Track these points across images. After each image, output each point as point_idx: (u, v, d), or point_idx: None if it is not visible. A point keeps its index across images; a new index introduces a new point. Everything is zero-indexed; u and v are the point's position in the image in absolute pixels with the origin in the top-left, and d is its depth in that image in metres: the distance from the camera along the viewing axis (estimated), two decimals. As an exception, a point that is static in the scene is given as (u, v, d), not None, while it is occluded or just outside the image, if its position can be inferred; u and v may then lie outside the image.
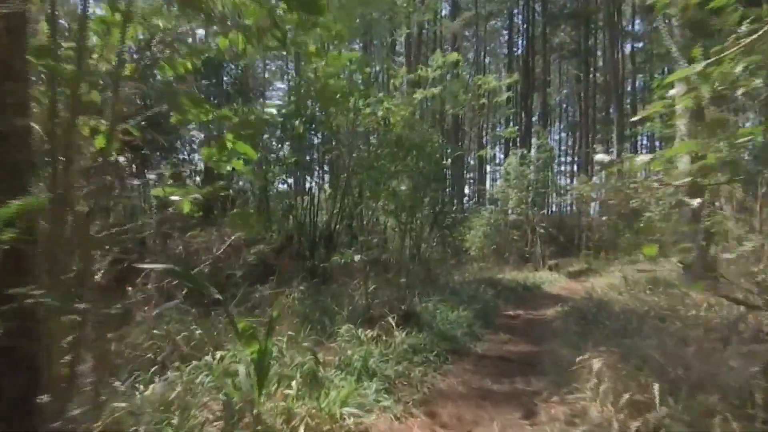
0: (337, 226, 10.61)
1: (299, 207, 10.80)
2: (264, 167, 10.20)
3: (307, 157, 11.44)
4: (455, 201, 27.42)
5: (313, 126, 10.38)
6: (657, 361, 3.65)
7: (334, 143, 10.66)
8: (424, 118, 16.70)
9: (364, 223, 11.01)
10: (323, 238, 10.22)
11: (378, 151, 10.41)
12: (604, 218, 20.24)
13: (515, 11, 37.13)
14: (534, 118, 36.26)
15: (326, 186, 12.13)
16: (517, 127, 24.57)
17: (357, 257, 5.88)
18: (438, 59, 12.07)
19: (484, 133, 40.44)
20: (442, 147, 13.92)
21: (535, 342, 6.60)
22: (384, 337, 5.45)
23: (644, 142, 36.20)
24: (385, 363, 4.73)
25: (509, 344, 6.55)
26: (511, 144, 29.25)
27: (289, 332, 4.81)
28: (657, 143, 32.78)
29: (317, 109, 10.08)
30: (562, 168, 40.16)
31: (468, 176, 42.54)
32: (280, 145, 10.43)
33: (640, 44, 35.27)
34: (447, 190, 18.06)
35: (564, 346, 6.00)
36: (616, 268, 16.44)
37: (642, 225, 15.21)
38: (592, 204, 22.84)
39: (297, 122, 9.73)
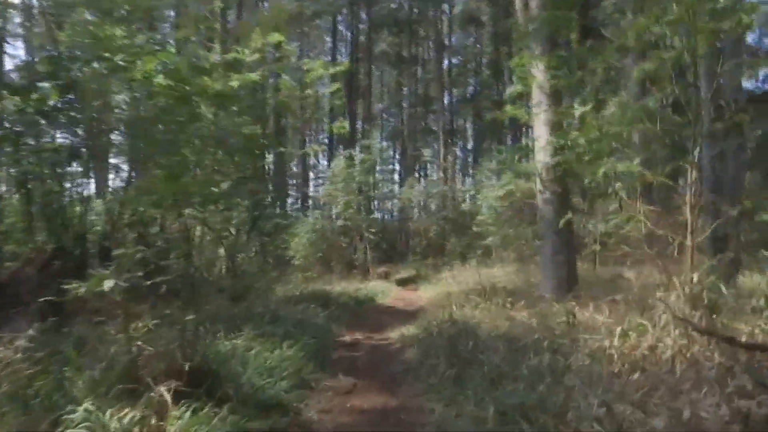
0: (118, 235, 7.74)
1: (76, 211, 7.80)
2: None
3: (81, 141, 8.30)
4: (278, 205, 25.09)
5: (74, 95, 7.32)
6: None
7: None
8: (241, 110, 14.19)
9: (159, 229, 8.31)
10: (102, 250, 7.38)
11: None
12: (431, 223, 19.55)
13: (339, 18, 36.03)
14: (358, 125, 35.44)
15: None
16: (347, 122, 23.06)
17: (109, 283, 3.37)
18: (257, 40, 9.85)
19: (308, 137, 38.62)
20: (262, 141, 11.69)
21: (390, 388, 4.67)
22: (154, 421, 3.08)
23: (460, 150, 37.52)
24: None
25: (355, 396, 4.52)
26: (335, 149, 27.82)
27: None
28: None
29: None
30: (386, 176, 39.88)
31: (292, 182, 40.38)
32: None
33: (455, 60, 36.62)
34: (268, 193, 15.66)
35: (433, 397, 4.17)
36: (447, 273, 15.53)
37: (475, 228, 14.52)
38: (415, 209, 22.20)
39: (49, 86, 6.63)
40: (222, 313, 5.93)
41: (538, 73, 6.96)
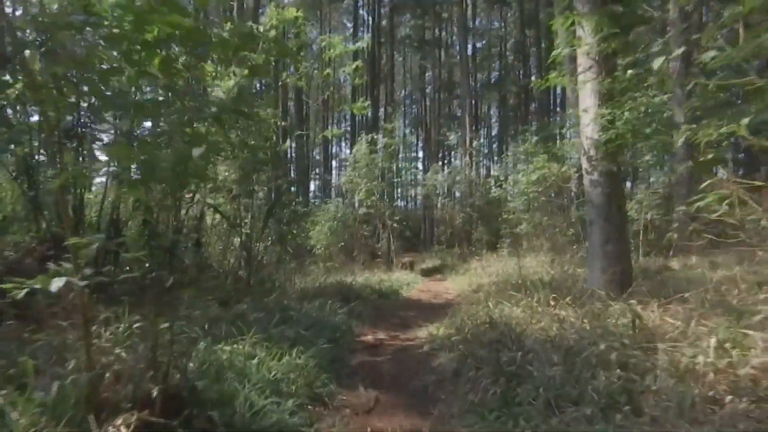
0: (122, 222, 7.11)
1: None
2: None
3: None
4: (299, 193, 24.37)
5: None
6: None
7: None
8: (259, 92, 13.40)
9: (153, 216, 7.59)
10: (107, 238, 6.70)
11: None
12: (457, 211, 18.59)
13: (360, 1, 34.94)
14: (380, 112, 34.49)
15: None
16: (368, 102, 22.21)
17: (59, 282, 2.57)
18: (272, 16, 9.08)
19: (330, 126, 37.84)
20: (279, 124, 10.89)
21: (420, 406, 3.83)
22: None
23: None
24: None
25: (376, 415, 3.70)
26: (358, 135, 26.94)
27: None
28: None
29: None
30: (410, 162, 38.96)
31: (315, 171, 39.84)
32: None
33: (479, 44, 35.33)
34: (288, 179, 14.89)
35: (473, 421, 3.32)
36: (475, 263, 14.61)
37: (505, 215, 13.55)
38: (440, 197, 21.26)
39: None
40: (222, 315, 5.13)
41: (585, 35, 5.97)
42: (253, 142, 9.66)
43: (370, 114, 30.50)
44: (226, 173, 9.83)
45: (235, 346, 4.14)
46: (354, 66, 11.65)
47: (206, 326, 4.52)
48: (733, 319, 3.56)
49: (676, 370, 3.21)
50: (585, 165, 6.19)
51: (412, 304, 9.65)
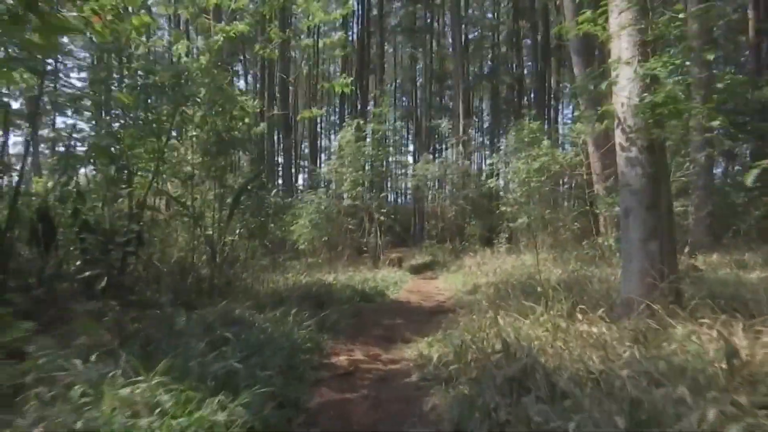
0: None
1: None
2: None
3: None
4: (281, 183, 22.79)
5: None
6: None
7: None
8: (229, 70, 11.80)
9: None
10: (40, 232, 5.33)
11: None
12: (449, 203, 17.14)
13: (350, -10, 33.25)
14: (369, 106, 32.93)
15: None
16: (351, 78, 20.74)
17: None
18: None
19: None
20: (252, 103, 9.39)
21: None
22: None
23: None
24: None
25: None
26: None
27: None
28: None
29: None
30: (400, 153, 37.49)
31: (302, 164, 38.33)
32: None
33: (471, 35, 33.81)
34: (261, 166, 13.32)
35: None
36: (469, 260, 13.18)
37: (503, 208, 12.10)
38: (431, 189, 19.80)
39: None
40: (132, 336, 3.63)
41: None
42: (217, 120, 8.20)
43: (359, 106, 29.00)
44: (189, 156, 8.36)
45: (124, 391, 2.66)
46: (337, 37, 10.16)
47: (93, 357, 3.04)
48: None
49: None
50: (620, 139, 4.74)
51: (400, 308, 8.20)
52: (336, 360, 4.68)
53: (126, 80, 7.18)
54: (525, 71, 32.72)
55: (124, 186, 6.43)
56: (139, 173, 6.76)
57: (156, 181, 6.98)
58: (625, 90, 4.64)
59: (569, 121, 27.32)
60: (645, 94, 4.36)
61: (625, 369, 3.04)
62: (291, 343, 4.47)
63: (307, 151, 35.73)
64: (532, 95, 29.21)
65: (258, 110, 10.97)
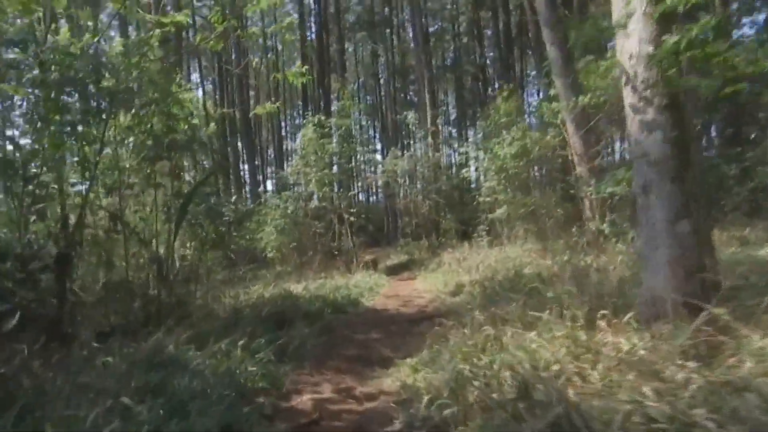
0: None
1: None
2: None
3: None
4: (244, 191, 21.52)
5: None
6: None
7: None
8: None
9: None
10: None
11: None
12: (421, 198, 16.18)
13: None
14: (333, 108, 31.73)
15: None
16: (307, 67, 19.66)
17: None
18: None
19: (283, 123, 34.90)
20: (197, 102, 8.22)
21: None
22: None
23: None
24: None
25: None
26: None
27: None
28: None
29: None
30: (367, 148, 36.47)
31: (269, 171, 37.09)
32: None
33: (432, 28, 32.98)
34: (213, 172, 12.07)
35: None
36: (447, 256, 12.23)
37: (480, 199, 11.16)
38: (402, 185, 18.83)
39: None
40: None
41: None
42: (152, 120, 7.03)
43: (322, 106, 27.79)
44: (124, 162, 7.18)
45: None
46: (287, 22, 9.01)
47: None
48: None
49: None
50: (630, 99, 3.79)
51: (376, 318, 7.16)
52: (297, 402, 3.60)
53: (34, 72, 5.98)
54: (488, 61, 32.14)
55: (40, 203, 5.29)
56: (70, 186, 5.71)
57: (91, 194, 5.87)
58: (632, 39, 3.69)
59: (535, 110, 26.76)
60: (665, 37, 3.40)
61: (698, 408, 2.07)
62: (236, 387, 3.40)
63: (273, 156, 34.43)
64: (496, 85, 28.53)
65: (213, 111, 9.83)
